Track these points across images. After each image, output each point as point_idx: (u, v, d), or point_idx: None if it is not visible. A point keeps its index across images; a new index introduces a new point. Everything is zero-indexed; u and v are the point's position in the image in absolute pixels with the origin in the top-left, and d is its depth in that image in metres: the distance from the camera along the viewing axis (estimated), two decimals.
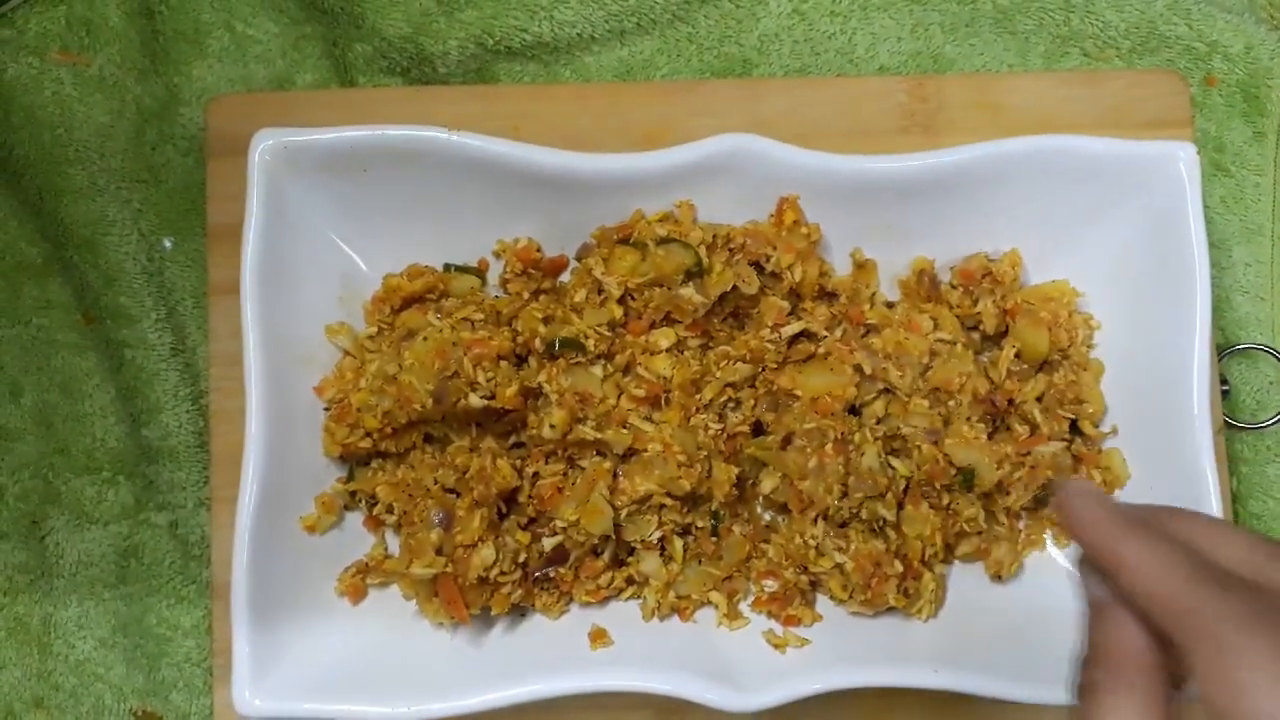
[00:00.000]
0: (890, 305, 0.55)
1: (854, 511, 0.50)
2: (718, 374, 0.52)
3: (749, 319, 0.53)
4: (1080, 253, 0.53)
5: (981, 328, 0.54)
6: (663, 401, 0.51)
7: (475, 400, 0.49)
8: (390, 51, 0.58)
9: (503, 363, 0.50)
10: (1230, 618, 0.32)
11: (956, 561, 0.54)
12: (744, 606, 0.53)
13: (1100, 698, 0.35)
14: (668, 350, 0.52)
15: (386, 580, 0.52)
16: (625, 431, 0.50)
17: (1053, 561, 0.54)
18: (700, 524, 0.52)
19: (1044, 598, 0.52)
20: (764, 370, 0.52)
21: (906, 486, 0.51)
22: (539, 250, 0.54)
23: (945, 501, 0.51)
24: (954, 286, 0.54)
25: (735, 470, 0.51)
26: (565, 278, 0.55)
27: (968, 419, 0.51)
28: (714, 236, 0.52)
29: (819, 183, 0.51)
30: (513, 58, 0.59)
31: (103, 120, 0.58)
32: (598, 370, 0.51)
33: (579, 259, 0.54)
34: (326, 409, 0.52)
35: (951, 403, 0.51)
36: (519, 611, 0.52)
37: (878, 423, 0.52)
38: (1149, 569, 0.35)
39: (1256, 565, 0.35)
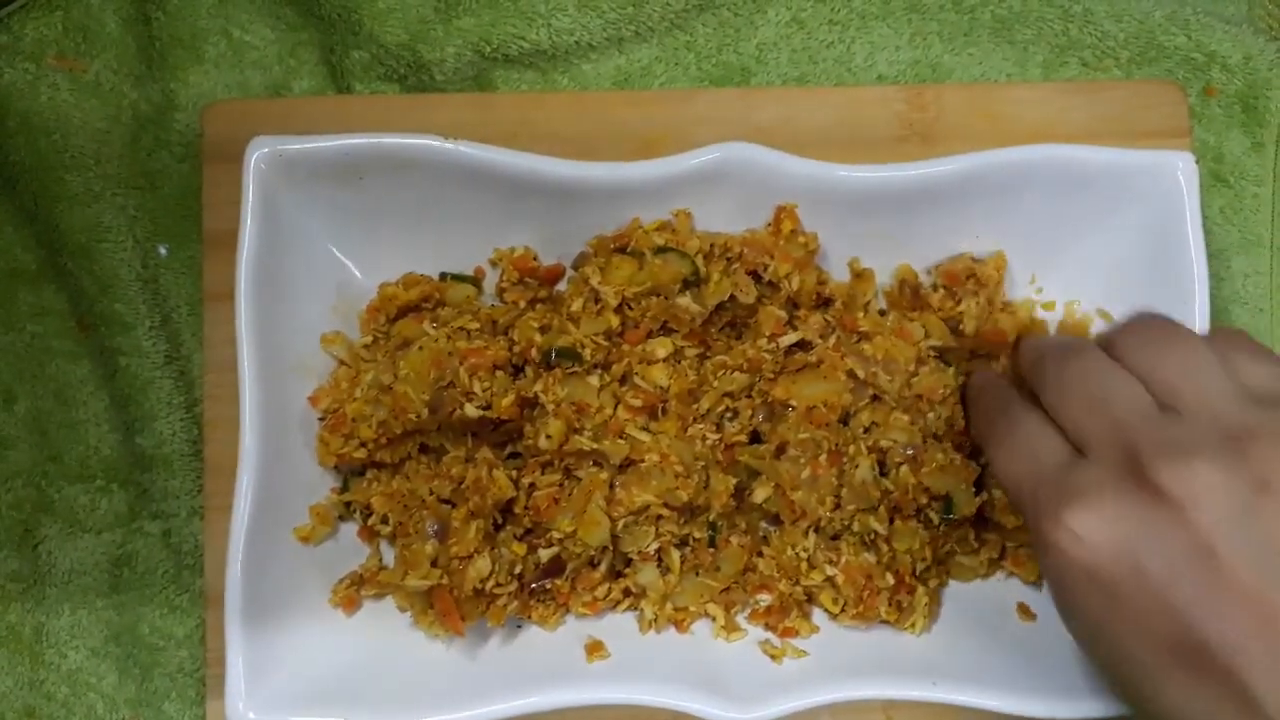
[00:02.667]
0: (884, 314, 0.54)
1: (846, 524, 0.50)
2: (715, 384, 0.52)
3: (747, 328, 0.53)
4: (1078, 263, 0.53)
5: (962, 328, 0.53)
6: (660, 411, 0.51)
7: (471, 410, 0.49)
8: (387, 59, 0.58)
9: (499, 372, 0.50)
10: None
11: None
12: (741, 618, 0.52)
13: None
14: (665, 360, 0.51)
15: (381, 592, 0.51)
16: (622, 442, 0.50)
17: None
18: (698, 535, 0.52)
19: (1047, 607, 0.52)
20: (761, 379, 0.52)
21: (896, 501, 0.51)
22: (535, 259, 0.53)
23: (935, 521, 0.51)
24: (935, 288, 0.54)
25: (733, 480, 0.51)
26: (562, 286, 0.54)
27: (943, 440, 0.50)
28: (711, 245, 0.51)
29: (817, 192, 0.51)
30: (510, 65, 0.59)
31: (99, 126, 0.57)
32: (594, 380, 0.50)
33: (576, 268, 0.53)
34: (321, 419, 0.51)
35: (931, 415, 0.51)
36: (515, 623, 0.52)
37: (865, 431, 0.51)
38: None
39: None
